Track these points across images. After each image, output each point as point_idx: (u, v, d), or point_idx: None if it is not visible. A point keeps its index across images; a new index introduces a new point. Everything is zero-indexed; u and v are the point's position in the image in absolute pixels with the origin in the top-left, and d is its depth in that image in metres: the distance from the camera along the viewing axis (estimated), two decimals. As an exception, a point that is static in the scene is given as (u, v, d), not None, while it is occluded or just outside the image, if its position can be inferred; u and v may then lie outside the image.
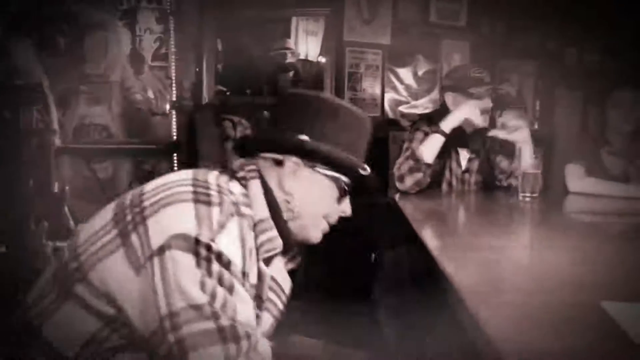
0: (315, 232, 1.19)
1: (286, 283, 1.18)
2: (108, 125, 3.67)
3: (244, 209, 1.04)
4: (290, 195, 1.13)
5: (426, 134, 2.39)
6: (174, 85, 3.74)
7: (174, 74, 3.73)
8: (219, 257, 0.93)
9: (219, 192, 1.01)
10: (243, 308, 0.95)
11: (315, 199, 1.16)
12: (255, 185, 1.10)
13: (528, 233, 1.90)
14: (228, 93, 4.13)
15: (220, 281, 0.92)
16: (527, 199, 2.21)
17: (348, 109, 1.20)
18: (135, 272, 0.94)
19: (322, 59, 4.28)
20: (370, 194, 1.25)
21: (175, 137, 3.74)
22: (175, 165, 3.71)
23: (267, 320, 1.13)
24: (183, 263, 0.91)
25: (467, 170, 2.50)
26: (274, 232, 1.10)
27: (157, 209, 0.97)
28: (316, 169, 1.15)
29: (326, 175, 1.16)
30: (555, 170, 2.72)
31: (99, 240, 0.98)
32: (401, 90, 4.39)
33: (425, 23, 4.50)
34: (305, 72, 4.31)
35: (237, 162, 1.15)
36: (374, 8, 4.27)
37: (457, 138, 2.41)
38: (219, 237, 0.94)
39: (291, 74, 4.29)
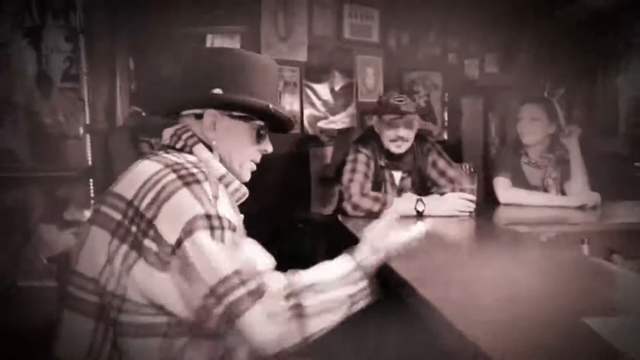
0: (244, 173, 1.33)
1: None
2: (14, 150, 3.41)
3: (210, 173, 1.15)
4: (215, 146, 1.26)
5: (368, 158, 2.45)
6: (86, 107, 3.54)
7: (86, 95, 3.54)
8: (227, 222, 1.05)
9: (196, 167, 1.13)
10: (248, 257, 1.08)
11: (236, 143, 1.29)
12: (200, 149, 1.23)
13: (474, 246, 1.97)
14: (144, 114, 3.96)
15: (232, 243, 1.05)
16: (464, 214, 2.28)
17: (253, 58, 1.31)
18: (160, 271, 1.01)
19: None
20: (285, 132, 1.39)
21: (90, 162, 3.54)
22: (92, 192, 3.51)
23: None
24: (202, 244, 1.01)
25: (401, 189, 2.56)
26: (237, 182, 1.26)
27: (158, 208, 1.04)
28: (232, 117, 1.27)
29: (242, 120, 1.28)
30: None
31: (114, 265, 1.03)
32: (319, 106, 4.43)
33: (340, 39, 4.57)
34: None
35: (166, 132, 1.26)
36: (289, 25, 4.29)
37: (391, 162, 2.52)
38: (218, 206, 1.06)
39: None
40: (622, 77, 4.68)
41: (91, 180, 3.51)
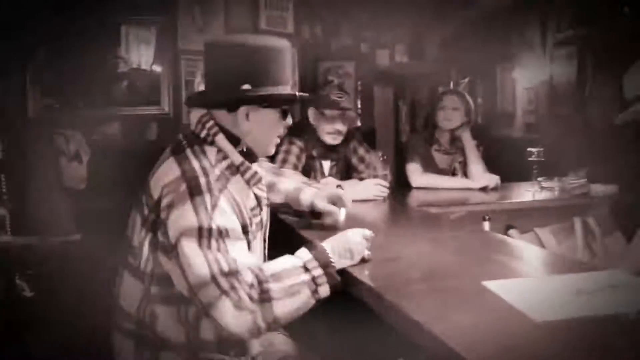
0: (271, 148, 1.53)
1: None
2: None
3: (227, 172, 1.37)
4: (248, 133, 1.42)
5: (301, 150, 2.59)
6: (-5, 99, 3.42)
7: (-6, 88, 3.42)
8: (217, 232, 1.25)
9: (205, 174, 1.31)
10: (237, 255, 1.26)
11: (266, 129, 1.47)
12: (221, 139, 1.40)
13: (394, 228, 2.16)
14: (57, 106, 3.87)
15: (219, 249, 1.24)
16: (380, 198, 2.47)
17: (271, 46, 1.44)
18: (168, 258, 1.28)
19: (157, 68, 4.21)
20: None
21: (1, 157, 3.42)
22: (4, 188, 3.40)
23: (259, 237, 1.50)
24: (190, 249, 1.23)
25: (330, 177, 2.71)
26: (252, 169, 1.44)
27: (169, 211, 1.27)
28: (262, 106, 1.43)
29: (270, 107, 1.45)
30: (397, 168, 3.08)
31: (144, 244, 1.34)
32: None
33: (257, 30, 4.65)
34: (139, 81, 4.20)
35: (194, 116, 1.43)
36: (207, 16, 4.31)
37: (322, 152, 2.67)
38: (214, 216, 1.25)
39: (125, 83, 4.15)
40: (517, 71, 5.06)
41: (2, 175, 3.39)
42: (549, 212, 2.50)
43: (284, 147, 2.56)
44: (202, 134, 1.40)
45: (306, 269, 1.29)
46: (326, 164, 2.71)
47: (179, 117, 4.13)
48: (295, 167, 2.55)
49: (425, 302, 1.17)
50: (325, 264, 1.31)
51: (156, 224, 1.30)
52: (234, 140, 1.42)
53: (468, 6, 5.25)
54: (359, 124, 5.21)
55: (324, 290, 1.30)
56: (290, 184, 1.90)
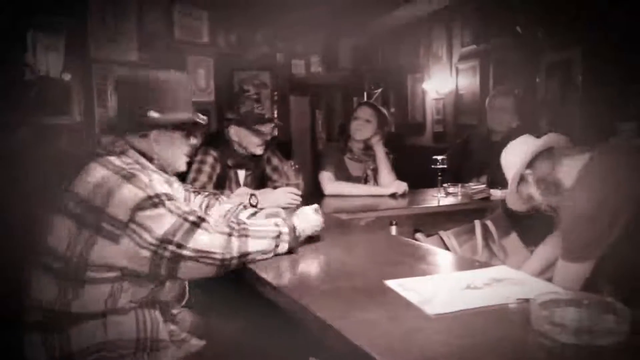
0: (181, 165, 1.72)
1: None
2: None
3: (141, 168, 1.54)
4: (160, 155, 1.61)
5: (215, 160, 2.63)
6: None
7: None
8: (165, 195, 1.44)
9: (131, 165, 1.49)
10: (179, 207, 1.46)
11: (174, 148, 1.66)
12: (132, 153, 1.57)
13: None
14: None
15: (166, 207, 1.42)
16: (292, 206, 2.54)
17: (173, 77, 1.68)
18: (116, 243, 1.39)
19: (67, 76, 4.09)
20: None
21: None
22: None
23: None
24: (148, 214, 1.39)
25: (246, 186, 2.75)
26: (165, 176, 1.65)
27: (107, 200, 1.39)
28: (168, 129, 1.62)
29: (176, 130, 1.64)
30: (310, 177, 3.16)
31: (77, 243, 1.40)
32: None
33: (171, 39, 4.63)
34: (48, 89, 4.06)
35: (104, 141, 1.56)
36: (119, 24, 4.25)
37: (237, 162, 2.73)
38: (154, 186, 1.44)
39: (33, 91, 4.00)
40: (427, 82, 5.33)
41: None
42: (452, 216, 2.67)
43: (198, 157, 2.59)
44: (117, 149, 1.56)
45: (277, 225, 1.61)
46: (241, 174, 2.77)
47: (91, 127, 4.04)
48: (210, 176, 2.59)
49: (330, 300, 1.24)
50: (292, 228, 1.63)
51: (93, 220, 1.40)
52: (148, 159, 1.61)
53: (379, 19, 5.46)
54: (275, 133, 5.29)
55: (283, 248, 1.59)
56: (223, 208, 2.03)
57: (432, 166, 2.91)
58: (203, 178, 2.55)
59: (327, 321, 1.10)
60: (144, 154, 1.59)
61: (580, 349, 0.97)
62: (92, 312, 1.44)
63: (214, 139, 2.75)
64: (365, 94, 5.99)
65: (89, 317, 1.44)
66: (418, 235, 2.40)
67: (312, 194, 2.96)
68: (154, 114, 1.58)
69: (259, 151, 2.73)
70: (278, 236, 1.58)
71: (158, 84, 1.63)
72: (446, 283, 1.31)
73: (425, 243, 2.21)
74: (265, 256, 1.55)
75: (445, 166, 2.91)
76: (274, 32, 5.71)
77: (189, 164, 2.38)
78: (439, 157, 2.91)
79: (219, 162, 2.66)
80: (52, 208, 1.48)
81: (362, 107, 3.30)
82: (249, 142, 2.70)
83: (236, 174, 2.74)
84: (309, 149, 6.77)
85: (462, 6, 4.79)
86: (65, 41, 4.07)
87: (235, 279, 1.55)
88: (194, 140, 1.73)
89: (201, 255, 1.41)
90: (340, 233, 2.07)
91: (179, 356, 1.54)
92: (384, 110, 3.31)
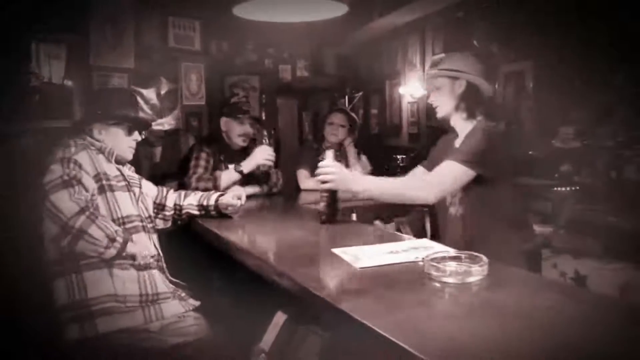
0: (127, 155, 2.21)
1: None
2: None
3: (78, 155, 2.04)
4: (108, 146, 2.13)
5: (208, 155, 3.05)
6: None
7: None
8: (73, 180, 1.91)
9: (72, 155, 1.99)
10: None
11: (116, 139, 2.15)
12: (88, 152, 2.07)
13: (279, 218, 2.69)
14: None
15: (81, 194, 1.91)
16: (269, 162, 2.99)
17: (116, 90, 2.62)
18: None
19: (68, 82, 4.47)
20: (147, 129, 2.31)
21: None
22: None
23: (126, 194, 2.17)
24: (57, 198, 1.85)
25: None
26: (109, 147, 2.15)
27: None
28: (111, 125, 2.14)
29: (117, 126, 2.15)
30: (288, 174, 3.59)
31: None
32: (147, 110, 4.81)
33: (165, 48, 5.03)
34: (51, 95, 4.42)
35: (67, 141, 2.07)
36: (118, 34, 4.64)
37: (228, 157, 3.13)
38: (77, 173, 1.93)
39: (37, 97, 4.37)
40: (403, 87, 5.74)
41: None
42: (407, 205, 3.09)
43: (195, 154, 3.03)
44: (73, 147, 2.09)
45: (117, 233, 1.94)
46: (231, 167, 3.17)
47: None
48: (206, 169, 3.03)
49: (287, 261, 1.68)
50: (125, 242, 1.95)
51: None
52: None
53: (359, 30, 5.86)
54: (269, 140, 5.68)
55: (110, 253, 1.90)
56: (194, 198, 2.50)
57: (392, 164, 3.35)
58: (200, 170, 2.99)
59: (284, 272, 1.53)
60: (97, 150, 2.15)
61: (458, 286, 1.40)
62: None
63: (209, 138, 3.18)
64: (346, 97, 6.37)
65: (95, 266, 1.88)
66: (377, 222, 2.83)
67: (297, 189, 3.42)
68: (99, 112, 2.18)
69: (241, 142, 3.13)
70: (113, 240, 1.89)
71: (104, 93, 2.43)
72: (376, 249, 1.74)
73: (380, 227, 2.64)
74: (96, 248, 1.87)
75: (404, 164, 3.34)
76: (263, 40, 6.06)
77: (187, 159, 2.82)
78: (399, 157, 3.35)
79: (212, 157, 3.08)
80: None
81: (335, 113, 3.72)
82: (234, 132, 3.11)
83: (227, 167, 3.16)
84: (296, 150, 7.13)
85: (435, 17, 5.21)
86: (67, 51, 4.43)
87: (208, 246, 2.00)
88: (135, 137, 2.18)
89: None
90: (308, 219, 2.50)
91: (181, 311, 1.96)
92: (355, 116, 3.74)
